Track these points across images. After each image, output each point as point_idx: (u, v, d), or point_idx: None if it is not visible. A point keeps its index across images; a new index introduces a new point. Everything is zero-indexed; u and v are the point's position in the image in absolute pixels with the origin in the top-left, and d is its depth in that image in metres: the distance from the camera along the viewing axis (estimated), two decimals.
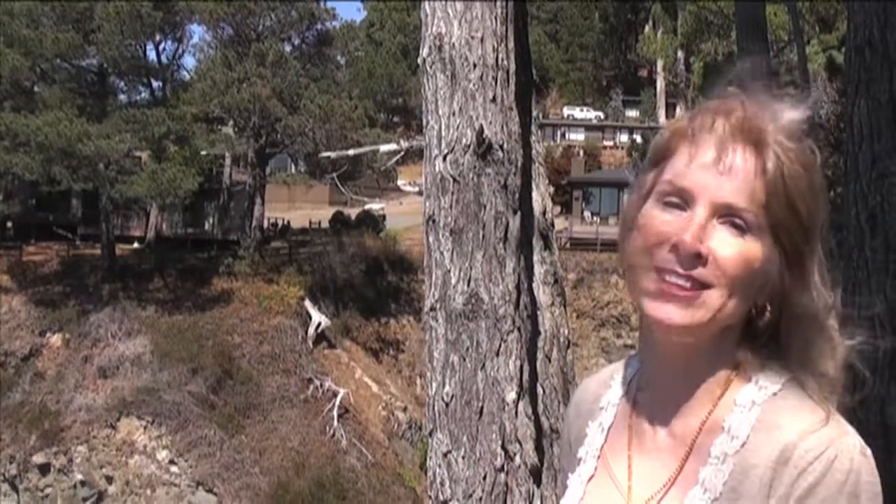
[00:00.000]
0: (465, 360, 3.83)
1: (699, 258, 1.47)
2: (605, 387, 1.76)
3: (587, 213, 55.67)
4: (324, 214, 54.61)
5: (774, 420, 1.49)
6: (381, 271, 46.39)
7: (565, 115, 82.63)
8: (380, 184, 56.75)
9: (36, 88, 46.39)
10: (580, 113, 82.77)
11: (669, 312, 1.50)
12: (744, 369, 1.55)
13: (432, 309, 3.92)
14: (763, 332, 1.56)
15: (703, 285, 1.48)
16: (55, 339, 41.89)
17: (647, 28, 74.83)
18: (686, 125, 1.56)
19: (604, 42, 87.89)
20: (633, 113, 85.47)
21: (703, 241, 1.47)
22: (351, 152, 35.93)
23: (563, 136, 79.14)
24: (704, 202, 1.49)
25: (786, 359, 1.55)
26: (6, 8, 42.93)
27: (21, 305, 42.87)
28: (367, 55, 74.13)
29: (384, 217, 53.32)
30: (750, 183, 1.48)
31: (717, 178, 1.49)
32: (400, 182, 54.20)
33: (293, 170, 54.64)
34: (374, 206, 54.56)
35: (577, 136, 78.74)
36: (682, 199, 1.51)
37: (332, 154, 36.16)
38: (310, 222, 54.45)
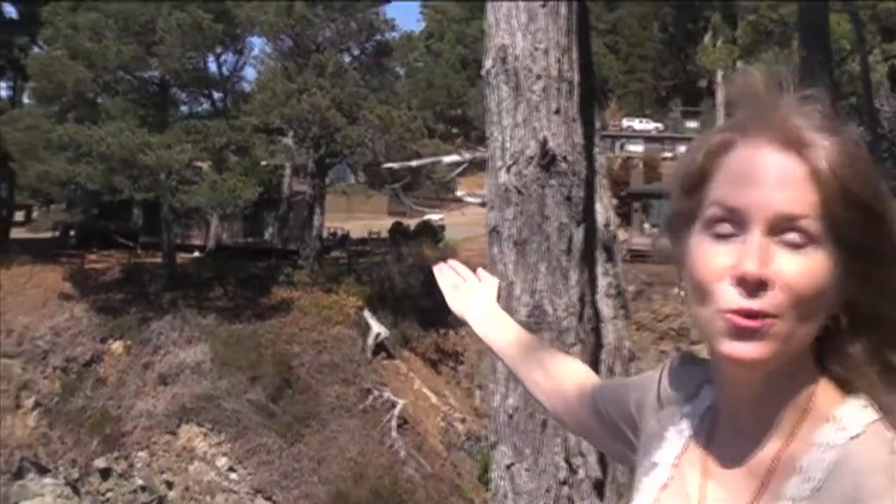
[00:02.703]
0: None
1: (764, 285, 1.36)
2: (698, 388, 1.65)
3: (646, 225, 55.33)
4: (382, 224, 54.70)
5: (850, 468, 1.36)
6: None
7: (624, 127, 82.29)
8: (439, 194, 56.81)
9: (99, 100, 46.95)
10: (639, 124, 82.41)
11: (741, 350, 1.38)
12: (822, 400, 1.43)
13: None
14: (840, 348, 1.45)
15: (772, 314, 1.37)
16: (116, 346, 42.28)
17: (706, 38, 74.37)
18: (718, 143, 1.46)
19: (663, 52, 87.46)
20: (692, 124, 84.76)
21: (768, 265, 1.36)
22: (414, 163, 35.83)
23: (622, 147, 78.80)
24: (759, 219, 1.37)
25: (867, 377, 1.43)
26: (70, 22, 43.53)
27: (83, 312, 43.30)
28: (426, 66, 74.28)
29: (443, 227, 53.28)
30: (801, 188, 1.37)
31: (767, 190, 1.38)
32: (459, 193, 54.28)
33: (352, 180, 54.87)
34: (434, 216, 54.57)
35: (637, 148, 78.36)
36: (733, 223, 1.40)
37: (395, 165, 36.16)
38: (369, 232, 54.56)
